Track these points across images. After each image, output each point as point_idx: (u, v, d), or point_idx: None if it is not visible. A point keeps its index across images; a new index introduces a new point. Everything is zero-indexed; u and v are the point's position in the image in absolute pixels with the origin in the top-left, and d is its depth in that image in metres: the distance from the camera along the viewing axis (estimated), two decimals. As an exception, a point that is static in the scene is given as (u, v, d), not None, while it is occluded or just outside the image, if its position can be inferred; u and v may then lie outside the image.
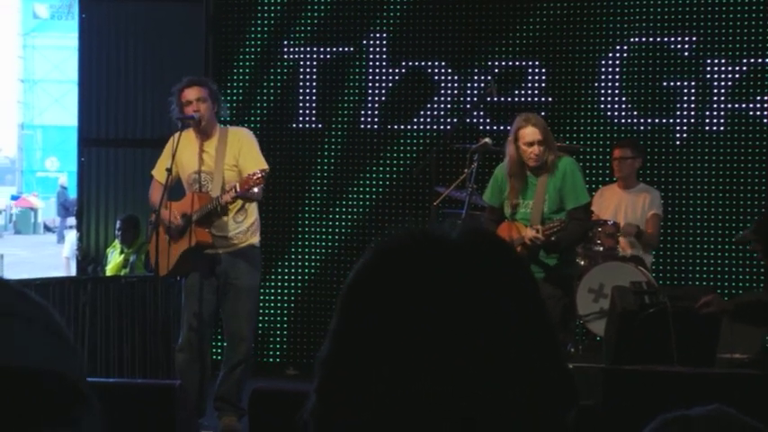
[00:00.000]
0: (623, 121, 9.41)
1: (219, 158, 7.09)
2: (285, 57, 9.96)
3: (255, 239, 7.27)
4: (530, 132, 6.91)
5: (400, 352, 1.14)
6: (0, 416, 0.96)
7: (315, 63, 9.90)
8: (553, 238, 6.83)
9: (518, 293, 1.19)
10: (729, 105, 9.23)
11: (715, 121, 9.25)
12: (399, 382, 1.13)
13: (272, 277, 9.78)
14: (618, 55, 9.42)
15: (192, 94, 7.10)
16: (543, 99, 9.37)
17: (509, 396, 1.14)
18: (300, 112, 9.93)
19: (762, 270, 9.00)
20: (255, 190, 6.85)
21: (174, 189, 7.34)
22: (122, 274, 9.97)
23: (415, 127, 9.76)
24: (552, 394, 1.17)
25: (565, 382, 1.19)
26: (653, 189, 8.80)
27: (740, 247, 9.00)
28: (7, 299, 1.02)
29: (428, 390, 1.12)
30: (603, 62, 9.43)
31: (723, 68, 9.22)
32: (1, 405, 0.96)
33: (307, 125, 9.94)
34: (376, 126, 9.84)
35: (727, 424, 1.48)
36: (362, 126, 9.86)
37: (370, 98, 9.82)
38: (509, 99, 9.46)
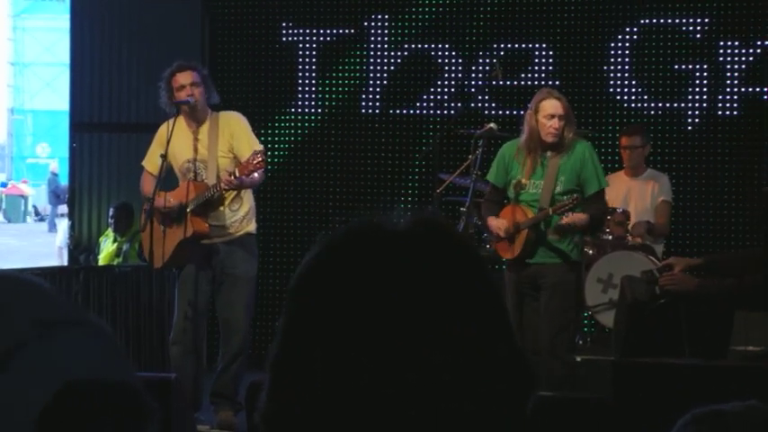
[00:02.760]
0: (633, 105, 9.35)
1: (212, 146, 7.02)
2: (283, 39, 9.87)
3: (252, 227, 7.21)
4: (551, 105, 6.75)
5: (347, 345, 1.14)
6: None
7: (314, 46, 9.84)
8: (566, 216, 6.65)
9: (467, 281, 1.18)
10: (743, 89, 9.15)
11: (728, 105, 9.18)
12: (349, 375, 1.13)
13: (270, 267, 9.68)
14: (627, 37, 9.33)
15: (185, 78, 7.01)
16: (550, 83, 9.22)
17: (464, 383, 1.14)
18: (299, 96, 9.85)
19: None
20: (256, 175, 6.78)
21: (166, 181, 7.22)
22: (115, 263, 9.92)
23: (418, 112, 9.69)
24: (507, 378, 1.17)
25: (520, 367, 1.18)
26: (661, 175, 8.69)
27: (753, 234, 8.90)
28: (73, 309, 1.07)
29: (379, 381, 1.13)
30: (613, 44, 9.35)
31: (736, 51, 9.13)
32: (96, 419, 1.02)
33: (306, 110, 9.86)
34: (377, 111, 9.77)
35: (764, 421, 1.45)
36: (363, 111, 9.79)
37: (371, 82, 9.75)
38: (515, 83, 9.39)
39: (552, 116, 6.72)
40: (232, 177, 6.74)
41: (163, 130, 7.13)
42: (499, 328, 1.19)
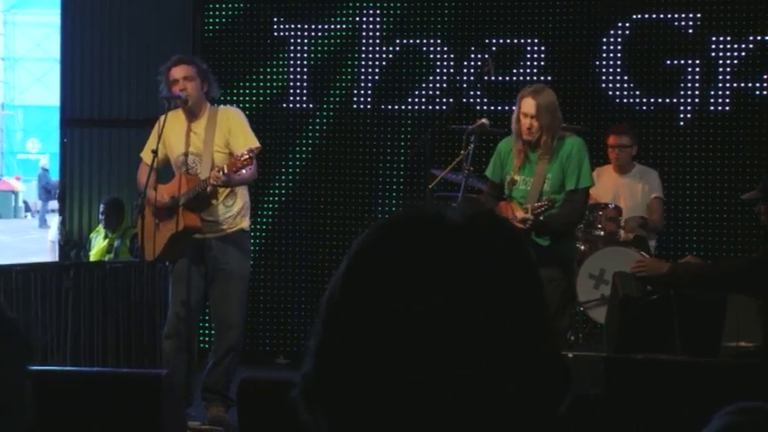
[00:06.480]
0: (625, 100, 9.31)
1: (209, 140, 6.98)
2: (275, 34, 9.81)
3: (245, 224, 7.17)
4: (526, 104, 6.72)
5: (398, 331, 1.14)
6: None
7: (306, 41, 9.77)
8: (542, 218, 6.59)
9: (519, 278, 1.20)
10: (734, 84, 9.11)
11: (720, 100, 9.14)
12: (397, 361, 1.14)
13: (262, 263, 9.64)
14: (619, 32, 9.30)
15: (178, 72, 6.98)
16: (542, 78, 9.20)
17: (503, 381, 1.15)
18: (291, 91, 9.81)
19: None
20: (244, 171, 6.72)
21: (165, 173, 7.20)
22: (106, 259, 9.83)
23: (410, 107, 9.64)
24: (546, 381, 1.18)
25: (559, 370, 1.20)
26: (650, 170, 8.66)
27: (745, 230, 8.89)
28: None
29: (424, 370, 1.13)
30: (605, 40, 9.32)
31: (728, 46, 9.10)
32: None
33: (298, 105, 9.81)
34: (369, 106, 9.72)
35: None
36: (355, 106, 9.74)
37: (363, 77, 9.70)
38: (507, 78, 9.32)
39: (526, 115, 6.68)
40: (220, 173, 6.71)
41: (159, 122, 7.12)
42: (543, 326, 1.21)
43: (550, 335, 1.21)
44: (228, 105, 7.31)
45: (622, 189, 8.56)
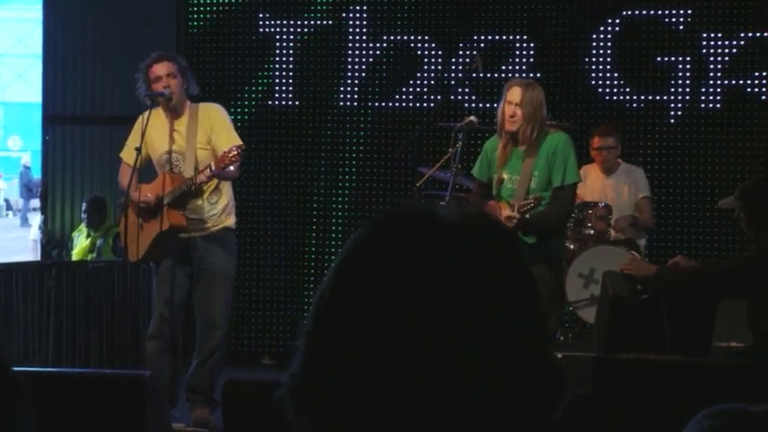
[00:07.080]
0: (614, 98, 9.30)
1: (191, 137, 6.94)
2: (261, 30, 9.76)
3: (230, 221, 7.11)
4: (512, 92, 6.67)
5: (378, 335, 1.14)
6: None
7: (292, 37, 9.73)
8: (528, 216, 6.51)
9: (503, 268, 1.19)
10: (725, 82, 9.10)
11: (711, 98, 9.13)
12: (378, 366, 1.14)
13: (248, 262, 9.56)
14: (609, 29, 9.28)
15: (161, 69, 6.92)
16: (531, 75, 9.16)
17: (489, 375, 1.14)
18: (277, 89, 9.77)
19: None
20: (231, 168, 6.71)
21: (147, 173, 7.14)
22: (89, 258, 9.76)
23: (397, 104, 9.61)
24: (533, 374, 1.17)
25: (546, 363, 1.19)
26: (636, 169, 8.62)
27: (736, 229, 8.84)
28: None
29: (406, 370, 1.13)
30: (594, 36, 9.29)
31: (719, 43, 9.08)
32: None
33: (283, 102, 9.76)
34: (356, 104, 9.68)
35: None
36: (341, 104, 9.70)
37: (349, 74, 9.66)
38: (495, 75, 9.28)
39: (510, 103, 6.62)
40: (207, 170, 6.66)
41: (140, 121, 7.04)
42: (530, 320, 1.19)
43: (539, 329, 1.20)
44: (209, 102, 7.23)
45: (608, 189, 8.53)
